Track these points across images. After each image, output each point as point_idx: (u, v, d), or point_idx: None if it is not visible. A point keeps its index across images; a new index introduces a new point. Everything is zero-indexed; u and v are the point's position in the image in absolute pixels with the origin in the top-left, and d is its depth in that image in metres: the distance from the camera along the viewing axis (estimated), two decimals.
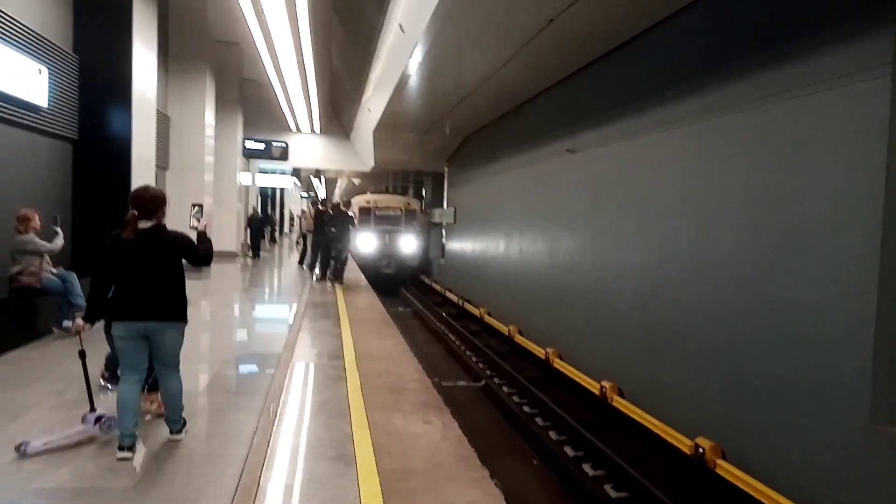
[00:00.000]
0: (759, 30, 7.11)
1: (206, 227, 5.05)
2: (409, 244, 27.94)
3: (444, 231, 28.28)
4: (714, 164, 7.90)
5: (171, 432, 4.74)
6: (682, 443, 7.71)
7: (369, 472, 4.13)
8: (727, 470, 6.86)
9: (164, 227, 4.62)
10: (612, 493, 7.50)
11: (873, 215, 5.31)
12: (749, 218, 7.10)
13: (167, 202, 4.68)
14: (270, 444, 4.66)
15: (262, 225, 23.64)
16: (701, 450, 7.25)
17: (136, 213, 4.48)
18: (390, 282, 26.44)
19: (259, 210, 26.96)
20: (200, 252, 4.80)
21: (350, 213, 15.61)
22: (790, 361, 6.32)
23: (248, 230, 22.62)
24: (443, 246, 28.19)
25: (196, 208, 5.28)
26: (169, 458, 4.41)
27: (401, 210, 28.50)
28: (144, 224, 4.49)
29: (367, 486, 3.91)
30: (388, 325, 9.76)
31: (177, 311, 4.64)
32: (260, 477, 4.05)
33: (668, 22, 8.99)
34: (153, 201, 4.55)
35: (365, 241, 26.99)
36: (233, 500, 3.74)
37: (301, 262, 19.54)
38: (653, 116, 9.40)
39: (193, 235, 4.95)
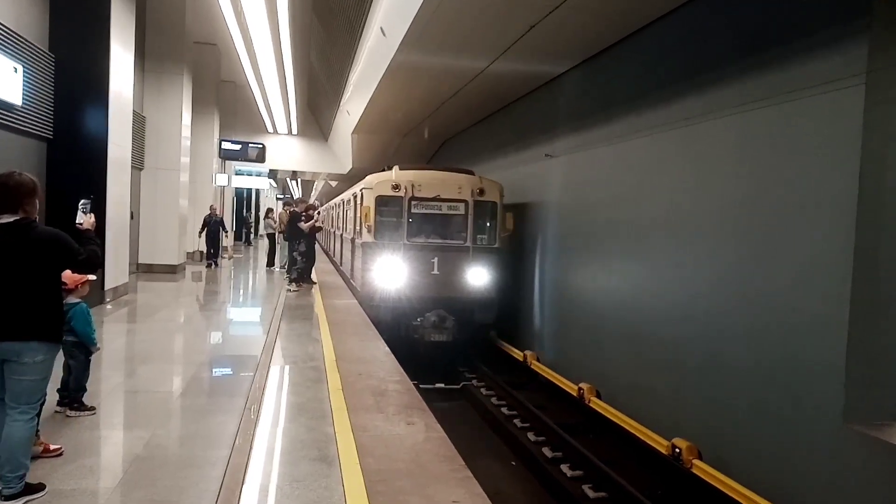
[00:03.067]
0: None
1: (92, 225, 4.25)
2: (480, 275, 12.54)
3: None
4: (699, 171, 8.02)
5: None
6: (659, 443, 7.81)
7: (353, 472, 4.15)
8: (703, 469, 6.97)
9: (33, 223, 3.74)
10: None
11: (848, 219, 5.45)
12: (729, 219, 7.22)
13: (38, 191, 3.83)
14: (252, 445, 4.64)
15: (220, 227, 18.78)
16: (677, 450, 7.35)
17: None
18: (435, 353, 12.17)
19: (218, 210, 20.00)
20: (82, 255, 3.87)
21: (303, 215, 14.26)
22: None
23: (205, 234, 18.54)
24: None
25: (84, 202, 4.32)
26: (150, 459, 4.37)
27: (465, 203, 12.62)
28: (5, 219, 3.64)
29: (352, 487, 3.92)
30: (369, 328, 9.75)
31: (41, 328, 3.68)
32: (243, 478, 4.04)
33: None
34: (17, 189, 3.68)
35: (387, 270, 12.29)
36: (216, 501, 3.73)
37: (270, 264, 19.37)
38: (628, 122, 9.52)
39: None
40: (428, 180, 12.46)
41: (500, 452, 9.19)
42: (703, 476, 6.89)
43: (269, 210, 24.65)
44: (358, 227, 13.30)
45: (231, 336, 9.84)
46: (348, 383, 6.41)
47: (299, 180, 45.58)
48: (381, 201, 12.35)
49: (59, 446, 4.35)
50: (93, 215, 4.31)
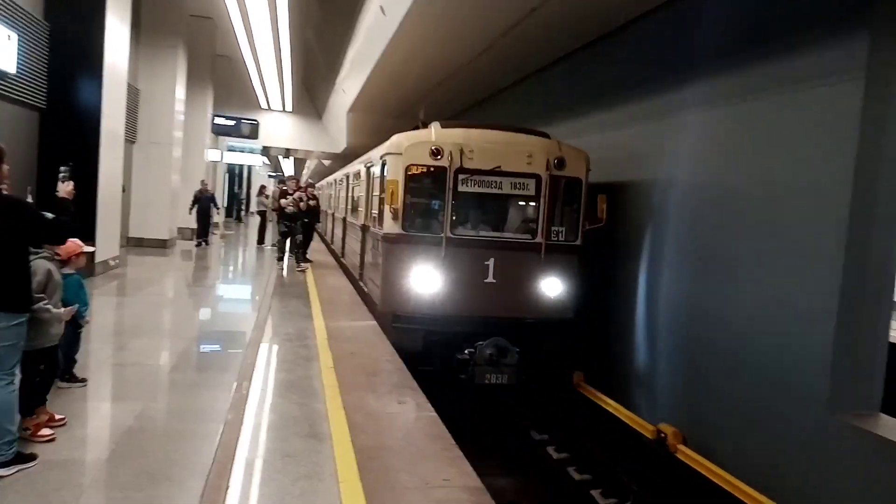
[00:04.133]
0: None
1: (69, 193, 4.11)
2: (556, 286, 8.45)
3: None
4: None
5: None
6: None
7: (345, 448, 4.18)
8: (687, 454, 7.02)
9: None
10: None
11: (841, 213, 5.49)
12: (725, 212, 7.18)
13: (4, 157, 3.76)
14: (243, 420, 4.66)
15: (210, 204, 18.02)
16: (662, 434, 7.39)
17: None
18: (489, 401, 8.60)
19: (210, 186, 19.40)
20: (50, 225, 3.82)
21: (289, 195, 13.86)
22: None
23: (196, 210, 17.72)
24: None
25: (64, 169, 4.17)
26: (141, 431, 4.39)
27: (537, 179, 8.39)
28: None
29: (343, 463, 3.96)
30: (360, 307, 9.77)
31: (4, 298, 3.63)
32: (234, 452, 4.07)
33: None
34: None
35: (420, 276, 8.18)
36: (208, 474, 3.75)
37: (260, 242, 19.36)
38: (625, 111, 9.45)
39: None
40: (483, 144, 8.27)
41: None
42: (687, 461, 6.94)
43: (263, 187, 24.43)
44: (375, 212, 9.50)
45: (222, 312, 9.85)
46: (340, 362, 6.43)
47: (292, 158, 45.30)
48: (415, 174, 8.33)
49: (63, 416, 4.38)
50: (71, 182, 4.18)
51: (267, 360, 6.49)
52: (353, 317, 9.04)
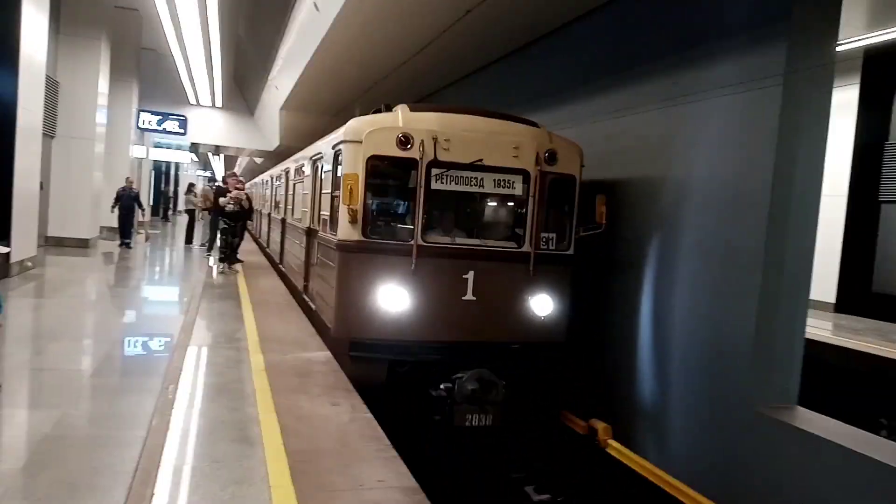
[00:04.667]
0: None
1: None
2: (547, 305, 7.20)
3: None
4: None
5: None
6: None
7: (276, 452, 4.09)
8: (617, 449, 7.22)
9: None
10: None
11: (761, 213, 5.75)
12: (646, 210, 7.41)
13: None
14: (170, 426, 4.51)
15: (134, 203, 16.98)
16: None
17: None
18: (473, 446, 7.19)
19: (137, 184, 18.21)
20: None
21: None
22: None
23: (118, 208, 16.53)
24: None
25: None
26: (60, 439, 4.19)
27: (525, 175, 7.09)
28: None
29: (275, 467, 3.88)
30: (292, 309, 9.60)
31: None
32: (160, 459, 3.92)
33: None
34: None
35: (385, 294, 6.73)
36: (132, 481, 3.61)
37: (188, 241, 18.80)
38: (565, 112, 9.59)
39: None
40: (462, 132, 6.92)
41: None
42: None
43: (191, 185, 23.72)
44: (326, 213, 8.14)
45: (147, 314, 9.51)
46: (271, 364, 6.30)
47: (223, 155, 44.18)
48: (378, 168, 6.93)
49: None
50: None
51: (195, 364, 6.30)
52: (284, 318, 8.86)
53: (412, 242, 6.69)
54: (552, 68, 10.00)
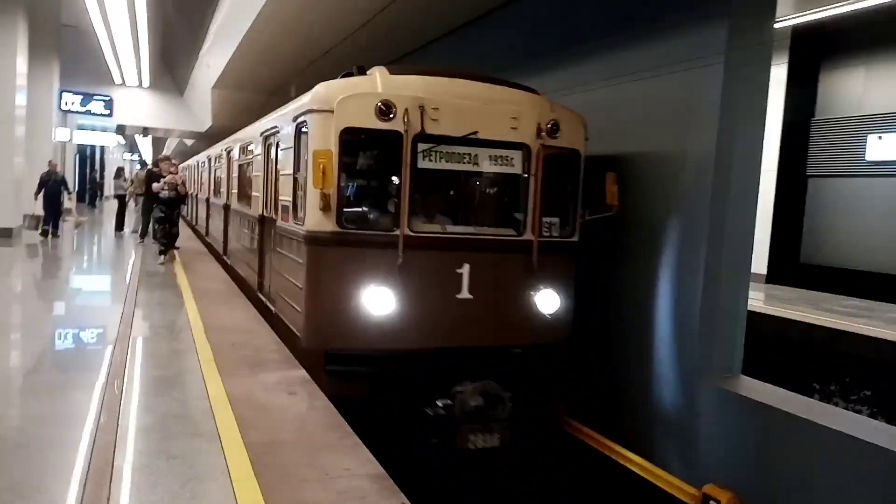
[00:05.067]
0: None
1: None
2: (550, 299, 6.23)
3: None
4: None
5: None
6: None
7: (235, 446, 3.97)
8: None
9: None
10: None
11: (704, 189, 5.91)
12: None
13: None
14: (119, 423, 4.32)
15: (61, 187, 16.08)
16: None
17: None
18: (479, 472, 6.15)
19: (61, 168, 17.14)
20: None
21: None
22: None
23: (42, 195, 15.66)
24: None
25: None
26: None
27: (525, 151, 6.11)
28: None
29: (235, 460, 3.76)
30: (237, 296, 9.34)
31: None
32: (113, 458, 3.76)
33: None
34: None
35: (365, 294, 5.67)
36: (84, 484, 3.44)
37: (119, 228, 18.09)
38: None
39: None
40: (453, 99, 5.88)
41: None
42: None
43: (120, 170, 22.66)
44: (286, 199, 6.84)
45: (82, 306, 9.06)
46: (220, 354, 6.10)
47: (151, 137, 42.51)
48: (353, 141, 5.87)
49: None
50: None
51: (139, 356, 6.05)
52: (229, 305, 8.61)
53: (397, 232, 5.66)
54: (498, 46, 9.94)
